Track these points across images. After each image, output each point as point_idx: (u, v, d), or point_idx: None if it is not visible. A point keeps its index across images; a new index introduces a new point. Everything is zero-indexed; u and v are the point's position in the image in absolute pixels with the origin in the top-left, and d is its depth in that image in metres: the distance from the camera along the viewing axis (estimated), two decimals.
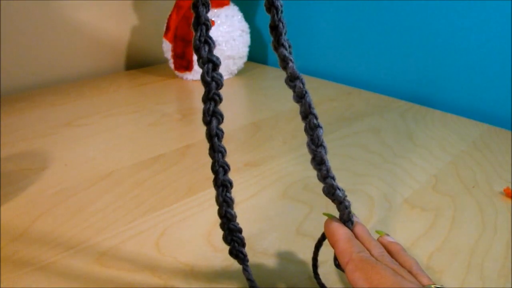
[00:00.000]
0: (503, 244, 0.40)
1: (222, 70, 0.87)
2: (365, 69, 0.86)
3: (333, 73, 0.91)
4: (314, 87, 0.85)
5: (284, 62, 0.25)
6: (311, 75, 0.92)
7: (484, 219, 0.44)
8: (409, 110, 0.73)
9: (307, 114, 0.26)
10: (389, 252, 0.29)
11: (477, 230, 0.42)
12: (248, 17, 0.92)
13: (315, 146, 0.26)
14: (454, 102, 0.75)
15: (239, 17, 0.86)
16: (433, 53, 0.76)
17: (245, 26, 0.87)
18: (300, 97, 0.25)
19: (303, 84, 0.25)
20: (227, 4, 0.85)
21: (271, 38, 0.26)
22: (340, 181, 0.50)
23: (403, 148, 0.59)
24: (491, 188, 0.49)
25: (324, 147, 0.26)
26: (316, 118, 0.26)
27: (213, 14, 0.82)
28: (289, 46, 0.26)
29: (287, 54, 0.25)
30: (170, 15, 0.84)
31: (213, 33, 0.81)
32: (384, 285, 0.24)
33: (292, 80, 0.25)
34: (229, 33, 0.83)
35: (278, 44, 0.25)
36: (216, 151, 0.26)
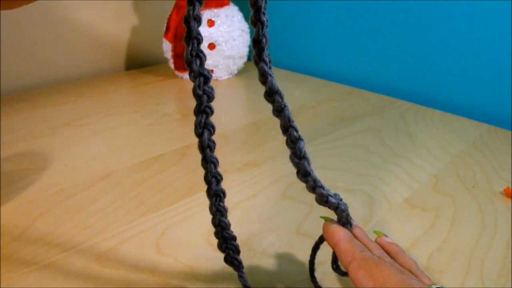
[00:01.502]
0: (503, 244, 0.40)
1: (222, 70, 0.87)
2: (365, 69, 0.86)
3: (333, 73, 0.91)
4: (314, 87, 0.85)
5: (263, 77, 0.25)
6: (311, 75, 0.92)
7: (484, 219, 0.44)
8: (409, 110, 0.73)
9: (287, 127, 0.26)
10: (388, 253, 0.28)
11: (477, 230, 0.42)
12: (248, 17, 0.92)
13: (298, 158, 0.26)
14: (454, 102, 0.75)
15: (239, 17, 0.86)
16: (433, 53, 0.76)
17: (245, 26, 0.87)
18: (279, 111, 0.25)
19: (281, 98, 0.25)
20: (227, 4, 0.85)
21: (253, 51, 0.26)
22: (340, 181, 0.50)
23: (403, 148, 0.59)
24: (491, 188, 0.49)
25: (307, 159, 0.26)
26: (296, 131, 0.26)
27: (213, 14, 0.82)
28: (269, 61, 0.26)
29: (266, 69, 0.25)
30: (170, 15, 0.84)
31: (213, 33, 0.82)
32: (389, 283, 0.23)
33: (271, 94, 0.25)
34: (229, 33, 0.83)
35: (259, 59, 0.25)
36: (209, 162, 0.26)
